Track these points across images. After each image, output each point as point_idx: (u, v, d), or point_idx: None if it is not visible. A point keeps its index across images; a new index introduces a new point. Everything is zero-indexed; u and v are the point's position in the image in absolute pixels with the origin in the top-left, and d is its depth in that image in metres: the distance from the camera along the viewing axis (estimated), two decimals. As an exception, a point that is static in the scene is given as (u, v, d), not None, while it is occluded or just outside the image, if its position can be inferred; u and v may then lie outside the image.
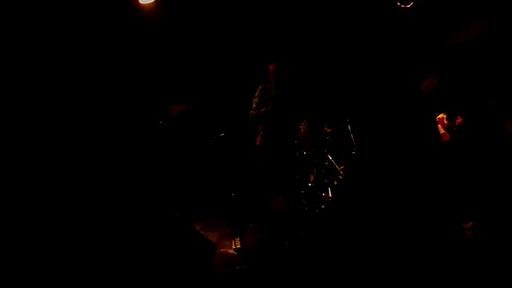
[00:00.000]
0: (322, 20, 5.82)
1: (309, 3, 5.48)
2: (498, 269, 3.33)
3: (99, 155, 4.26)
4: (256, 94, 4.23)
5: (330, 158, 5.62)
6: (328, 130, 5.70)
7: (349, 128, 5.72)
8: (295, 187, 4.44)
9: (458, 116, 4.65)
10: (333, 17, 5.71)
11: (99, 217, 3.16)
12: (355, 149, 5.67)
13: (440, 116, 4.80)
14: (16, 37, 3.90)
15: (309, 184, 5.38)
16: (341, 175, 5.63)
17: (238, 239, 4.30)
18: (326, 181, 5.51)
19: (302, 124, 5.96)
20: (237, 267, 3.83)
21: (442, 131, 4.74)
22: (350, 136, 5.72)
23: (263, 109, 4.09)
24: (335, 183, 5.55)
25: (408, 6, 4.70)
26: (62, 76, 4.25)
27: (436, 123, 4.80)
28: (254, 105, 4.20)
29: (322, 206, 5.16)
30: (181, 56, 6.18)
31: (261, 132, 4.26)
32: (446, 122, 4.75)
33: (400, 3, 4.71)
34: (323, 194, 5.38)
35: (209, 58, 6.32)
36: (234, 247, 4.24)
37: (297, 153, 5.50)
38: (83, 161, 4.02)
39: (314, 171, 5.62)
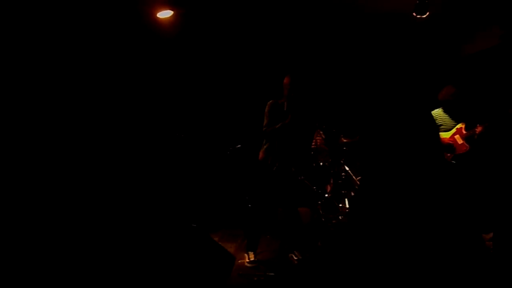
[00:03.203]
0: (339, 31, 5.84)
1: (324, 15, 5.50)
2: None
3: (118, 165, 4.32)
4: (266, 110, 4.22)
5: (347, 168, 5.60)
6: (345, 141, 5.68)
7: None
8: (296, 201, 4.44)
9: (478, 125, 4.59)
10: (350, 28, 5.73)
11: (117, 227, 3.19)
12: (371, 160, 5.63)
13: (459, 126, 4.75)
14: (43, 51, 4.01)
15: (326, 195, 5.36)
16: (358, 185, 5.60)
17: (252, 253, 4.30)
18: (343, 191, 5.48)
19: (319, 135, 5.96)
20: (255, 278, 3.83)
21: (460, 141, 4.69)
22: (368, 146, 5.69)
23: (279, 124, 4.08)
24: (352, 194, 5.51)
25: (424, 16, 4.69)
26: (81, 85, 4.33)
27: (438, 135, 4.75)
28: (265, 121, 4.20)
29: (340, 217, 5.13)
30: (199, 69, 6.25)
31: (265, 146, 4.26)
32: (464, 132, 4.70)
33: (416, 13, 4.70)
34: (340, 205, 5.35)
35: (227, 71, 6.38)
36: (247, 260, 4.25)
37: (314, 164, 5.50)
38: (103, 171, 4.08)
39: (331, 181, 5.60)
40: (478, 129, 4.61)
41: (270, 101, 4.25)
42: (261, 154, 4.30)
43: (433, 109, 4.95)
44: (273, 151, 4.20)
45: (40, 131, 3.85)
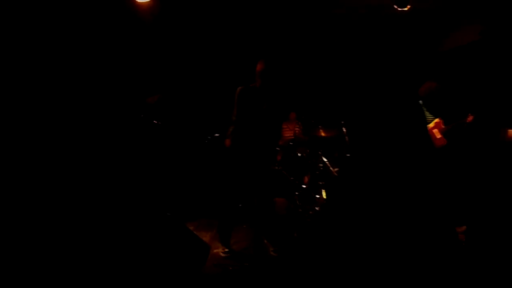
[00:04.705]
0: (319, 22, 5.81)
1: (305, 5, 5.46)
2: (491, 271, 3.33)
3: (91, 154, 4.22)
4: (235, 98, 4.02)
5: (325, 160, 5.61)
6: (324, 135, 5.68)
7: (344, 130, 5.71)
8: (271, 191, 4.37)
9: (469, 114, 4.62)
10: (331, 19, 5.70)
11: (91, 216, 3.12)
12: (349, 151, 5.66)
13: (437, 120, 4.79)
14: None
15: (303, 186, 5.36)
16: (335, 177, 5.61)
17: (224, 246, 4.26)
18: (320, 183, 5.49)
19: (297, 125, 5.95)
20: (230, 268, 3.80)
21: (439, 135, 4.73)
22: (345, 138, 5.71)
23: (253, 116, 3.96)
24: (329, 185, 5.53)
25: (406, 9, 4.69)
26: (54, 74, 4.20)
27: (426, 127, 4.82)
28: (235, 110, 4.04)
29: (316, 208, 5.14)
30: (176, 56, 6.15)
31: (231, 133, 4.13)
32: (443, 126, 4.74)
33: (397, 6, 4.70)
34: (317, 196, 5.37)
35: (205, 57, 6.30)
36: (222, 250, 4.22)
37: (292, 155, 5.49)
38: (75, 161, 3.98)
39: (309, 172, 5.61)
40: (470, 118, 4.64)
41: (239, 88, 4.04)
42: (228, 142, 4.15)
43: (411, 102, 4.98)
44: (243, 139, 4.07)
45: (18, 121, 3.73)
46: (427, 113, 4.87)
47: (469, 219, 4.23)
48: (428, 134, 4.79)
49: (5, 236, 2.91)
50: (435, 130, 4.75)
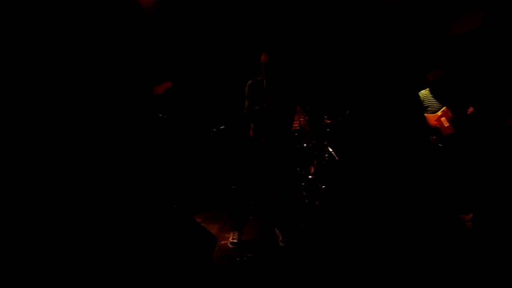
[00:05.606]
0: (321, 14, 5.78)
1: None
2: (498, 259, 3.33)
3: (98, 148, 4.24)
4: (246, 91, 4.07)
5: (331, 150, 5.61)
6: (328, 122, 5.67)
7: (349, 120, 5.70)
8: (287, 180, 4.37)
9: (470, 106, 4.60)
10: (332, 9, 5.66)
11: (101, 210, 3.15)
12: (353, 141, 5.66)
13: (445, 108, 4.77)
14: None
15: (310, 176, 5.37)
16: (341, 167, 5.62)
17: (237, 233, 4.29)
18: (326, 173, 5.49)
19: (302, 116, 5.93)
20: (237, 259, 3.83)
21: (446, 123, 4.71)
22: (350, 128, 5.71)
23: (257, 107, 3.98)
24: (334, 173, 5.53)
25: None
26: (54, 71, 4.20)
27: (424, 117, 4.81)
28: (246, 103, 4.07)
29: (323, 198, 5.15)
30: (181, 50, 6.14)
31: (253, 125, 4.18)
32: (451, 114, 4.72)
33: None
34: (323, 187, 5.37)
35: (208, 49, 6.29)
36: (230, 241, 4.24)
37: (297, 145, 5.49)
38: (81, 155, 4.00)
39: (315, 163, 5.61)
40: (470, 109, 4.62)
41: (249, 82, 4.08)
42: (251, 132, 4.22)
43: (420, 90, 4.97)
44: (256, 131, 4.13)
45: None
46: (435, 101, 4.84)
47: (476, 206, 4.22)
48: (425, 123, 4.79)
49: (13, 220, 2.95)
50: (443, 118, 4.73)
